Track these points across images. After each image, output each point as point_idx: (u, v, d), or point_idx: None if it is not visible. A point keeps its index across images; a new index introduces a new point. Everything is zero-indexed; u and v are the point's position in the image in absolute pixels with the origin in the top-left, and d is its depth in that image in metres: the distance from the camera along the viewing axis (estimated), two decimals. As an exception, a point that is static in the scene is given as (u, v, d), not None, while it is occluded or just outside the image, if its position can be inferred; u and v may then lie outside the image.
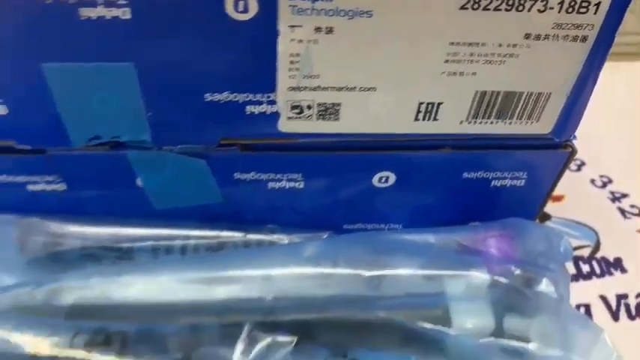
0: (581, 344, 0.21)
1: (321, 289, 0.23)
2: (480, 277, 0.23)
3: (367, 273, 0.24)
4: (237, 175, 0.24)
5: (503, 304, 0.23)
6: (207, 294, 0.23)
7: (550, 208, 0.30)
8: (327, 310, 0.23)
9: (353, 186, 0.25)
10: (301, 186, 0.25)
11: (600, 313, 0.27)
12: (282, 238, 0.26)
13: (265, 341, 0.22)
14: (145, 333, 0.21)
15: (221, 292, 0.23)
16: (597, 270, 0.28)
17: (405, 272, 0.24)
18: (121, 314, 0.23)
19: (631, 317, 0.26)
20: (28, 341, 0.20)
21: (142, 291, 0.24)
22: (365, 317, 0.23)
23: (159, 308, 0.23)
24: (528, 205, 0.27)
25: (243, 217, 0.26)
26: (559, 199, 0.31)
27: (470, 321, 0.23)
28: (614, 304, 0.27)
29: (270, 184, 0.25)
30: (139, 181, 0.24)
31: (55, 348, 0.20)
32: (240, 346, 0.22)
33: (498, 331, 0.22)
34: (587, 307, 0.27)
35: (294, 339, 0.22)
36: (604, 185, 0.32)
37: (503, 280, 0.23)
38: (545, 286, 0.22)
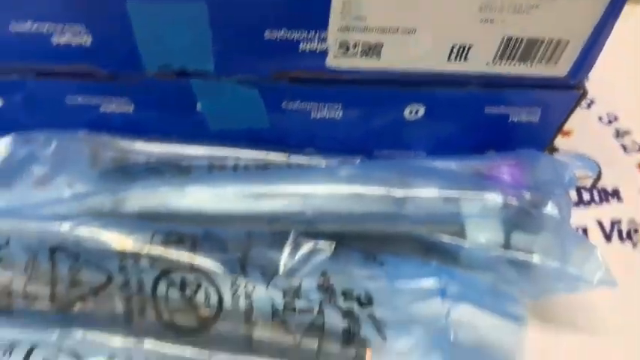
0: (576, 258, 0.25)
1: (354, 205, 0.27)
2: (493, 199, 0.27)
3: (394, 193, 0.27)
4: (284, 104, 0.27)
5: (512, 222, 0.27)
6: (257, 205, 0.27)
7: (559, 141, 0.33)
8: (359, 224, 0.27)
9: (386, 117, 0.28)
10: (340, 115, 0.28)
11: (595, 234, 0.30)
12: (320, 161, 0.30)
13: (308, 246, 0.26)
14: (209, 236, 0.25)
15: (268, 205, 0.27)
16: (596, 198, 0.32)
17: (427, 193, 0.28)
18: (180, 220, 0.27)
19: (622, 239, 0.30)
20: (114, 239, 0.24)
21: (199, 201, 0.27)
22: (392, 230, 0.27)
23: (215, 216, 0.27)
24: (540, 138, 0.30)
25: (287, 141, 0.29)
26: (568, 133, 0.34)
27: (482, 235, 0.26)
28: (607, 228, 0.31)
29: (313, 113, 0.28)
30: (198, 106, 0.28)
31: (137, 245, 0.24)
32: (287, 249, 0.25)
33: (506, 245, 0.26)
34: (585, 230, 0.30)
35: (333, 244, 0.26)
36: (610, 122, 0.35)
37: (513, 202, 0.27)
38: (549, 208, 0.26)
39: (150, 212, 0.27)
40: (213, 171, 0.29)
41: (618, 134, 0.34)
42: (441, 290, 0.24)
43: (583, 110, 0.35)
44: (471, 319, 0.24)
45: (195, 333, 0.23)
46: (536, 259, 0.25)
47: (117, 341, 0.23)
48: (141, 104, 0.27)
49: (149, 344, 0.23)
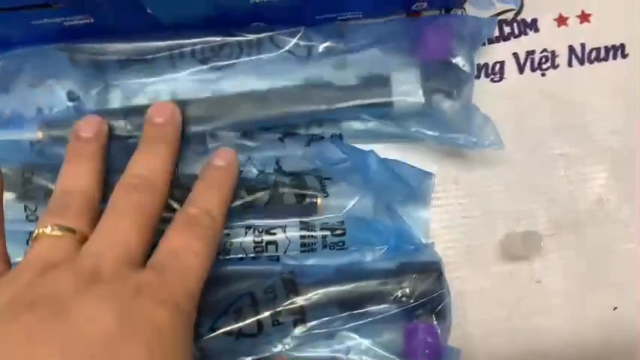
0: (475, 128, 0.31)
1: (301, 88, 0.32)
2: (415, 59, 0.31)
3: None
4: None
5: (432, 79, 0.32)
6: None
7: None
8: (305, 102, 0.32)
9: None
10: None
11: (510, 67, 0.35)
12: (267, 33, 0.34)
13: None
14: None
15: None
16: (516, 31, 0.36)
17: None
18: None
19: (533, 69, 0.35)
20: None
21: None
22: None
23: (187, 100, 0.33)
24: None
25: (234, 21, 0.33)
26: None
27: (404, 87, 0.32)
28: (522, 59, 0.35)
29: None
30: (148, 10, 0.31)
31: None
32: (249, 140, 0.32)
33: (427, 103, 0.32)
34: (502, 64, 0.35)
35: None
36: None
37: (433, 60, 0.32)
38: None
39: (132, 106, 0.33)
40: (174, 61, 0.33)
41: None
42: (361, 171, 0.31)
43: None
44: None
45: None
46: (442, 132, 0.31)
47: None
48: (98, 17, 0.31)
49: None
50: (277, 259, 0.31)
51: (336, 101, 0.31)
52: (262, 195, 0.31)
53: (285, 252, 0.31)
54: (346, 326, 0.29)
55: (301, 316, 0.29)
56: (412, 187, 0.31)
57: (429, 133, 0.31)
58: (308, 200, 0.31)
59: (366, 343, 0.31)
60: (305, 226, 0.31)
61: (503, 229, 0.33)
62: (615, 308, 0.32)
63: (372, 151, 0.30)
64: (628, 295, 0.32)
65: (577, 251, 0.33)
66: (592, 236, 0.33)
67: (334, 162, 0.31)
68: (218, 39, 0.33)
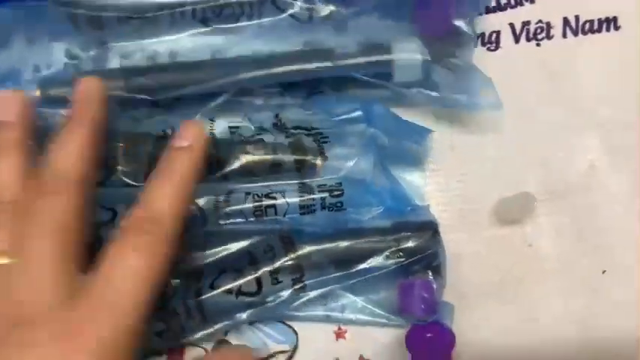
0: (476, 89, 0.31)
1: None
2: (412, 47, 0.32)
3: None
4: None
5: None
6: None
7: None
8: (305, 64, 0.32)
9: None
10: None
11: (506, 37, 0.36)
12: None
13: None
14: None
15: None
16: (512, 1, 0.36)
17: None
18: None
19: (528, 40, 0.36)
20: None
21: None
22: (332, 72, 0.33)
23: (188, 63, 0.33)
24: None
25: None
26: None
27: (402, 74, 0.32)
28: (518, 30, 0.36)
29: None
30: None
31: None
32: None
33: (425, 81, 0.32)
34: (498, 33, 0.36)
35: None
36: None
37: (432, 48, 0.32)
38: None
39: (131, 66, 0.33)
40: (175, 19, 0.33)
41: None
42: (366, 117, 0.31)
43: None
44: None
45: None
46: (443, 92, 0.32)
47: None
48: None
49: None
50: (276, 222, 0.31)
51: (339, 61, 0.31)
52: (261, 160, 0.31)
53: (284, 215, 0.31)
54: (342, 284, 0.30)
55: (299, 274, 0.29)
56: (412, 142, 0.31)
57: (432, 94, 0.31)
58: (307, 164, 0.32)
59: (360, 301, 0.31)
60: (304, 189, 0.31)
61: (496, 194, 0.34)
62: (604, 271, 0.33)
63: (377, 101, 0.31)
64: (616, 259, 0.33)
65: (567, 216, 0.34)
66: (582, 202, 0.34)
67: (337, 114, 0.31)
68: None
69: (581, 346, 0.32)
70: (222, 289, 0.28)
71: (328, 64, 0.31)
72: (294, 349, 0.32)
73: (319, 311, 0.32)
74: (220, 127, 0.33)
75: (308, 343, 0.32)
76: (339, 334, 0.32)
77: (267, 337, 0.32)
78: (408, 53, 0.32)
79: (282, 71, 0.31)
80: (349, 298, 0.32)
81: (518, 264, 0.33)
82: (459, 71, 0.31)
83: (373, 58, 0.32)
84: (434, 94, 0.31)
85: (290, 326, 0.32)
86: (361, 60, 0.32)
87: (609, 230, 0.34)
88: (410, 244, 0.30)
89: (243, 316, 0.29)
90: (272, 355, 0.32)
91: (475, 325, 0.32)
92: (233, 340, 0.32)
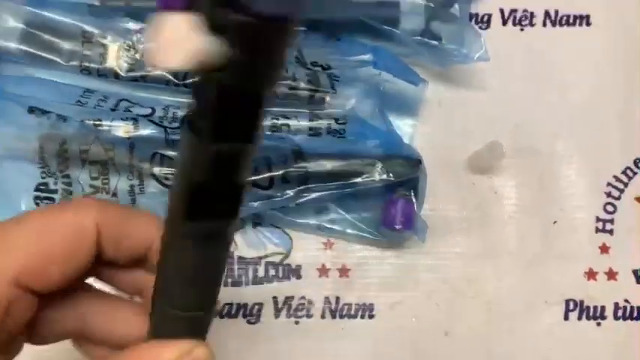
0: (467, 42, 0.38)
1: None
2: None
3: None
4: None
5: (431, 14, 0.39)
6: None
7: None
8: (325, 11, 0.38)
9: None
10: None
11: (496, 19, 0.42)
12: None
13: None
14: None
15: None
16: (504, -10, 0.43)
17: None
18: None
19: (514, 24, 0.42)
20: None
21: None
22: (346, 17, 0.39)
23: None
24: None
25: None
26: None
27: (409, 21, 0.38)
28: (506, 15, 0.42)
29: None
30: None
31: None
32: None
33: (425, 31, 0.38)
34: (489, 16, 0.42)
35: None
36: None
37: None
38: (455, 7, 0.38)
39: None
40: None
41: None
42: (374, 62, 0.37)
43: None
44: (392, 80, 0.38)
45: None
46: (441, 42, 0.38)
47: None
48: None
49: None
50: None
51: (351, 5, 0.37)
52: (280, 86, 0.37)
53: (295, 134, 0.37)
54: (338, 192, 0.35)
55: (304, 179, 0.35)
56: (410, 87, 0.37)
57: (431, 42, 0.37)
58: (319, 95, 0.37)
59: (349, 217, 0.37)
60: (314, 114, 0.37)
61: (472, 146, 0.40)
62: (555, 222, 0.39)
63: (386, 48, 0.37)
64: (566, 213, 0.39)
65: (529, 173, 0.40)
66: (543, 164, 0.40)
67: (350, 56, 0.37)
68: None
69: (525, 279, 0.38)
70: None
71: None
72: (288, 252, 0.38)
73: (312, 221, 0.37)
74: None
75: (300, 249, 0.38)
76: (327, 245, 0.38)
77: (267, 240, 0.38)
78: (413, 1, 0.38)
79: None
80: (340, 214, 0.37)
81: (482, 205, 0.39)
82: (455, 24, 0.37)
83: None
84: (433, 42, 0.37)
85: (286, 233, 0.38)
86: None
87: (563, 190, 0.40)
88: (397, 168, 0.35)
89: (255, 204, 0.34)
90: (269, 255, 0.37)
91: (441, 248, 0.38)
92: (237, 238, 0.37)
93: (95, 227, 0.20)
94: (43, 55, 0.35)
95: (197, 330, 0.20)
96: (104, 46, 0.35)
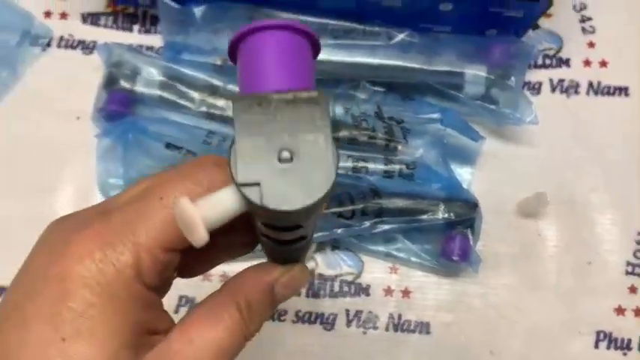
0: (520, 107, 0.45)
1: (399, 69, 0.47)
2: (482, 69, 0.46)
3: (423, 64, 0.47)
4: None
5: (491, 82, 0.46)
6: (345, 57, 0.47)
7: (542, 21, 0.50)
8: (401, 77, 0.46)
9: (427, 5, 0.46)
10: (399, 3, 0.46)
11: (546, 87, 0.50)
12: (383, 28, 0.48)
13: (372, 89, 0.46)
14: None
15: (350, 58, 0.47)
16: (554, 63, 0.50)
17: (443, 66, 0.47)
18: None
19: (561, 92, 0.50)
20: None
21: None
22: (419, 81, 0.47)
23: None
24: (523, 24, 0.48)
25: (364, 15, 0.48)
26: (549, 16, 0.51)
27: (471, 88, 0.46)
28: (555, 84, 0.50)
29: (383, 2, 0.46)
30: (314, -5, 0.45)
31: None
32: (360, 90, 0.46)
33: (485, 96, 0.46)
34: (540, 83, 0.50)
35: (384, 89, 0.46)
36: (579, 10, 0.51)
37: (493, 71, 0.46)
38: (512, 78, 0.45)
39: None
40: (320, 32, 0.48)
41: (583, 19, 0.51)
42: (440, 120, 0.45)
43: (564, 0, 0.51)
44: (454, 134, 0.46)
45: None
46: (498, 106, 0.45)
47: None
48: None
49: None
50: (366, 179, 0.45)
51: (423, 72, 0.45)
52: (362, 135, 0.45)
53: (372, 175, 0.45)
54: (406, 226, 0.43)
55: (379, 213, 0.42)
56: (470, 141, 0.44)
57: (490, 106, 0.45)
58: (393, 144, 0.45)
59: (413, 247, 0.44)
60: (388, 160, 0.45)
61: (521, 195, 0.47)
62: (590, 263, 0.46)
63: (452, 109, 0.45)
64: (600, 256, 0.46)
65: (569, 220, 0.46)
66: (582, 213, 0.47)
67: (421, 114, 0.45)
68: (350, 24, 0.48)
69: (562, 310, 0.44)
70: (331, 210, 0.41)
71: (425, 66, 0.45)
72: (360, 273, 0.45)
73: (382, 248, 0.45)
74: (338, 110, 0.46)
75: (370, 271, 0.45)
76: (393, 269, 0.45)
77: (342, 262, 0.45)
78: (477, 72, 0.46)
79: (388, 75, 0.45)
80: (405, 245, 0.45)
81: (528, 245, 0.46)
82: (510, 92, 0.45)
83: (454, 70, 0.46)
84: (491, 106, 0.45)
85: (359, 257, 0.45)
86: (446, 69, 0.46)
87: (598, 236, 0.46)
88: (457, 209, 0.43)
89: (339, 231, 0.42)
90: (343, 274, 0.45)
91: (491, 279, 0.45)
92: (319, 258, 0.45)
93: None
94: (178, 101, 0.44)
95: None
96: (227, 97, 0.44)
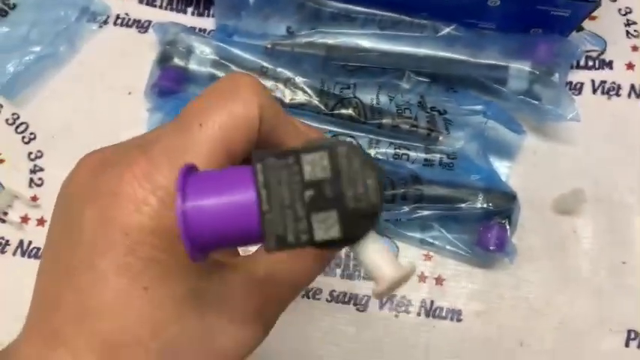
0: (562, 104, 0.46)
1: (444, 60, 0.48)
2: (525, 65, 0.47)
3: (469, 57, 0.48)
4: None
5: (535, 78, 0.47)
6: (392, 47, 0.48)
7: (587, 23, 0.51)
8: (446, 69, 0.47)
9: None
10: (448, -2, 0.47)
11: (587, 88, 0.50)
12: (430, 21, 0.49)
13: (416, 79, 0.47)
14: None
15: (398, 48, 0.48)
16: (597, 65, 0.51)
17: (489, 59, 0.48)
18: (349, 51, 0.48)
19: (603, 94, 0.50)
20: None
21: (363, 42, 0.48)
22: (464, 74, 0.48)
23: (370, 50, 0.48)
24: (570, 24, 0.49)
25: (411, 8, 0.49)
26: (594, 18, 0.51)
27: (515, 83, 0.47)
28: (596, 85, 0.50)
29: (432, -5, 0.47)
30: (365, -15, 0.47)
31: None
32: (405, 79, 0.47)
33: (528, 91, 0.47)
34: (582, 83, 0.50)
35: (428, 79, 0.47)
36: (625, 14, 0.52)
37: (537, 68, 0.47)
38: (555, 75, 0.46)
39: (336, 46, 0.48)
40: (367, 22, 0.49)
41: (628, 23, 0.52)
42: (483, 112, 0.46)
43: (610, 3, 0.52)
44: (496, 127, 0.46)
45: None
46: (541, 102, 0.46)
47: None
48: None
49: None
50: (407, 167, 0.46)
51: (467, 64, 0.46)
52: (404, 123, 0.46)
53: (413, 162, 0.46)
54: (444, 213, 0.43)
55: (419, 199, 0.43)
56: (510, 136, 0.45)
57: (532, 101, 0.45)
58: (434, 134, 0.46)
59: (449, 236, 0.45)
60: (429, 149, 0.46)
61: (558, 191, 0.47)
62: (624, 262, 0.46)
63: (494, 102, 0.45)
64: (634, 256, 0.46)
65: (605, 219, 0.47)
66: (618, 212, 0.47)
67: (464, 106, 0.46)
68: (397, 16, 0.49)
69: (594, 307, 0.45)
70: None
71: (470, 59, 0.46)
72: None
73: (417, 235, 0.46)
74: (382, 98, 0.47)
75: (404, 257, 0.46)
76: (427, 257, 0.46)
77: (378, 246, 0.46)
78: (521, 67, 0.47)
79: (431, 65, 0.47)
80: (441, 233, 0.46)
81: (563, 240, 0.46)
82: (553, 89, 0.45)
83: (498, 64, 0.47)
84: (534, 102, 0.46)
85: (395, 242, 0.46)
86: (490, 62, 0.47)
87: (633, 235, 0.47)
88: (496, 200, 0.43)
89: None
90: (379, 258, 0.46)
91: (524, 271, 0.45)
92: (355, 240, 0.46)
93: (259, 118, 0.22)
94: (229, 80, 0.45)
95: None
96: (275, 79, 0.45)
